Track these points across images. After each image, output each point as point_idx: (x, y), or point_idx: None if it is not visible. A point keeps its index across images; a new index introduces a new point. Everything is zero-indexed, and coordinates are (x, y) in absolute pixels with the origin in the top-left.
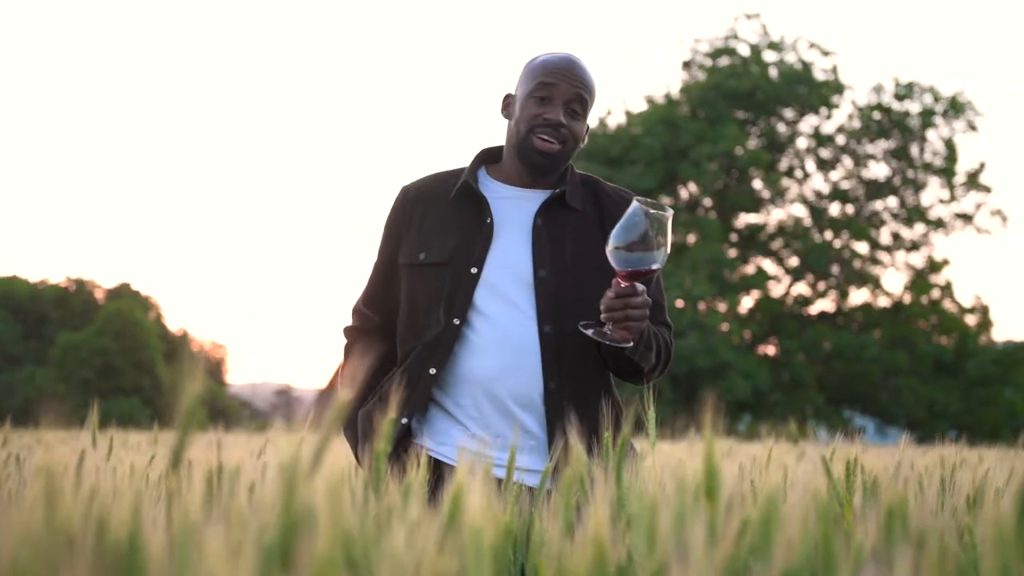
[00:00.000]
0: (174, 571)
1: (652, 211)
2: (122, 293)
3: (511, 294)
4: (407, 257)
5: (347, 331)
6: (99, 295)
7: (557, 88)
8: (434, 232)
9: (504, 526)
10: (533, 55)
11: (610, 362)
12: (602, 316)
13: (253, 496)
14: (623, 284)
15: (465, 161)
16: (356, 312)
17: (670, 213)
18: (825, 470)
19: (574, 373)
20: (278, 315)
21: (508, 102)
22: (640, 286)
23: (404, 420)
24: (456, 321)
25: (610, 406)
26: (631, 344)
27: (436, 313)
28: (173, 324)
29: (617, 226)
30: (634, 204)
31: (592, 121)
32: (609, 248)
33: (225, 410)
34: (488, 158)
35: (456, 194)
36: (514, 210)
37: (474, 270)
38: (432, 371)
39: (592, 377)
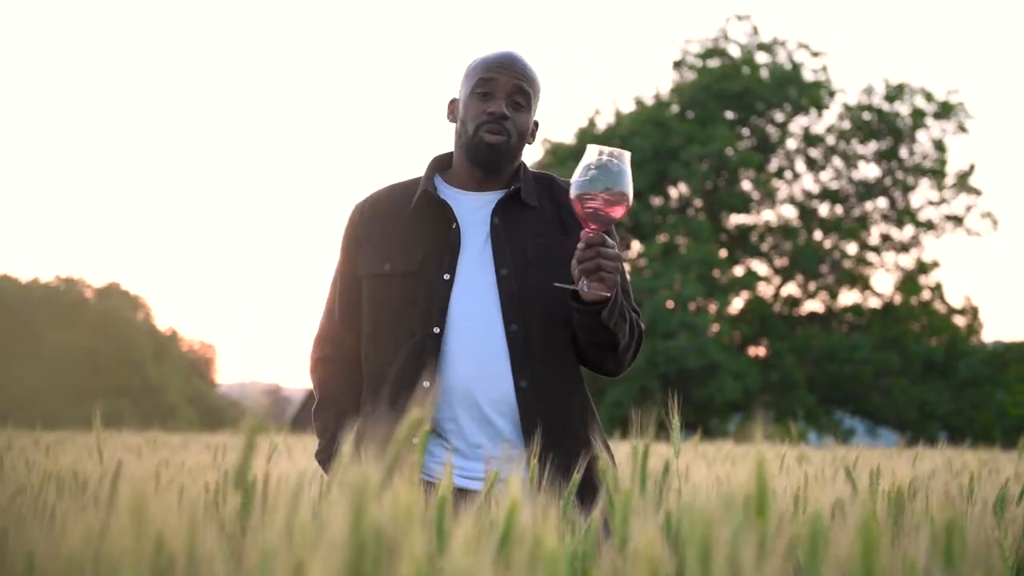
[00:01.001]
0: None
1: (606, 150)
2: (111, 292)
3: (480, 297)
4: (369, 269)
5: (319, 363)
6: (88, 294)
7: (497, 82)
8: (397, 243)
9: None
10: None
11: (585, 337)
12: (575, 271)
13: (318, 517)
14: (590, 233)
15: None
16: (326, 339)
17: (626, 153)
18: (849, 480)
19: (545, 370)
20: (268, 314)
21: (453, 107)
22: (610, 240)
23: (415, 440)
24: (436, 330)
25: (582, 403)
26: (608, 296)
27: (409, 324)
28: (162, 323)
29: (576, 171)
30: (589, 147)
31: (582, 121)
32: (572, 195)
33: (214, 410)
34: (440, 165)
35: (417, 203)
36: (473, 213)
37: (447, 276)
38: (426, 384)
39: (564, 374)
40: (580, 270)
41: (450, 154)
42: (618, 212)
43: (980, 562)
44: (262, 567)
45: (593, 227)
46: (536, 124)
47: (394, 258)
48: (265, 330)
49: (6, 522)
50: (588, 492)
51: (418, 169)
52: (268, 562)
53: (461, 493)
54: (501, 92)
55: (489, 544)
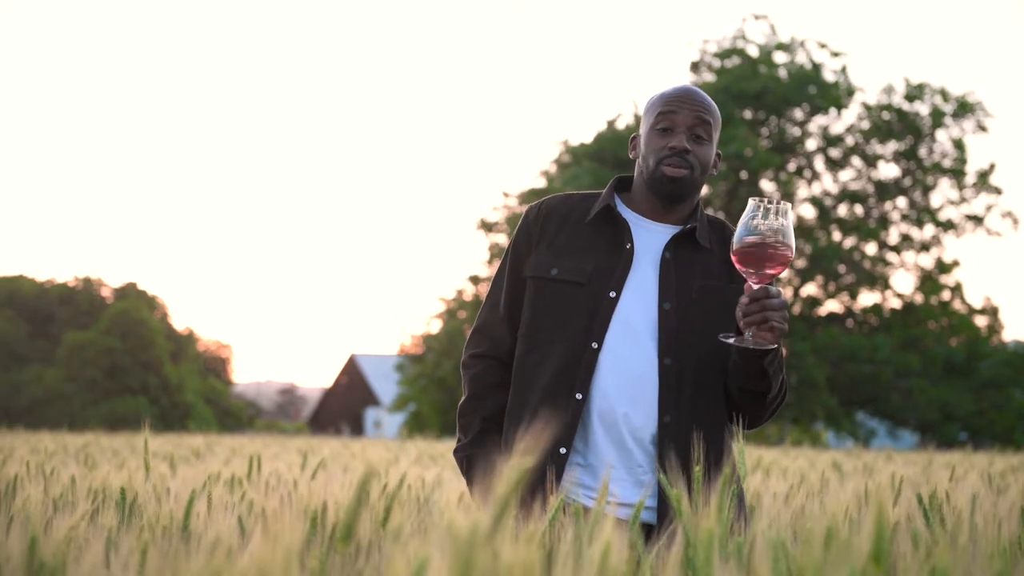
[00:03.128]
0: None
1: (770, 204)
2: (128, 292)
3: (636, 323)
4: (536, 271)
5: (475, 359)
6: (106, 294)
7: (677, 116)
8: (568, 250)
9: None
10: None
11: (737, 380)
12: (740, 323)
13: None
14: (755, 286)
15: (462, 165)
16: (485, 335)
17: (789, 206)
18: (921, 509)
19: (690, 409)
20: (283, 315)
21: (635, 143)
22: (774, 289)
23: (563, 450)
24: (595, 345)
25: (719, 447)
26: (774, 346)
27: (568, 333)
28: (179, 323)
29: (739, 225)
30: (751, 201)
31: (600, 124)
32: (734, 247)
33: (231, 410)
34: (621, 186)
35: (596, 216)
36: (647, 241)
37: (613, 294)
38: (579, 396)
39: (708, 415)
40: (745, 323)
41: (631, 177)
42: (781, 266)
43: None
44: None
45: (755, 280)
46: (719, 155)
47: (563, 264)
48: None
49: (66, 553)
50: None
51: (432, 174)
52: None
53: (588, 512)
54: (682, 126)
55: None
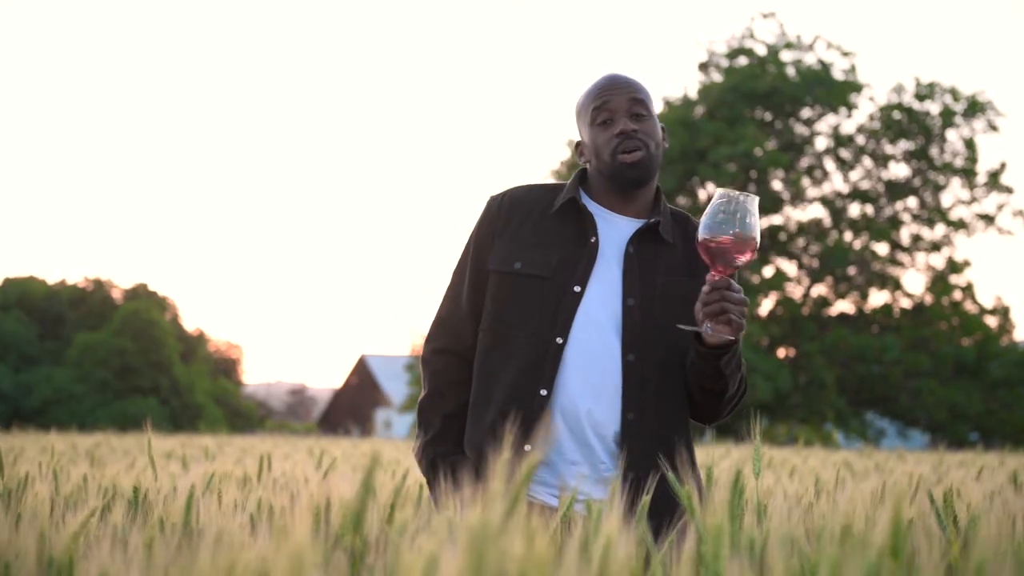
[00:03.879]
0: None
1: (735, 195)
2: (139, 293)
3: (601, 318)
4: (499, 264)
5: (435, 354)
6: (116, 295)
7: (611, 104)
8: (531, 243)
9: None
10: (581, 88)
11: (695, 379)
12: (698, 314)
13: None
14: (716, 276)
15: (473, 166)
16: (445, 329)
17: (756, 198)
18: (935, 512)
19: (654, 405)
20: (293, 315)
21: (580, 148)
22: (735, 283)
23: (527, 447)
24: (560, 340)
25: (683, 442)
26: (733, 339)
27: (532, 328)
28: (189, 324)
29: (703, 216)
30: (717, 192)
31: None
32: (699, 238)
33: (241, 410)
34: (584, 179)
35: (560, 209)
36: (610, 234)
37: (577, 288)
38: (543, 392)
39: (671, 411)
40: (705, 313)
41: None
42: (744, 257)
43: None
44: None
45: (719, 270)
46: (664, 128)
47: (527, 258)
48: (290, 331)
49: (75, 549)
50: (658, 514)
51: (443, 174)
52: None
53: (550, 511)
54: (619, 111)
55: None
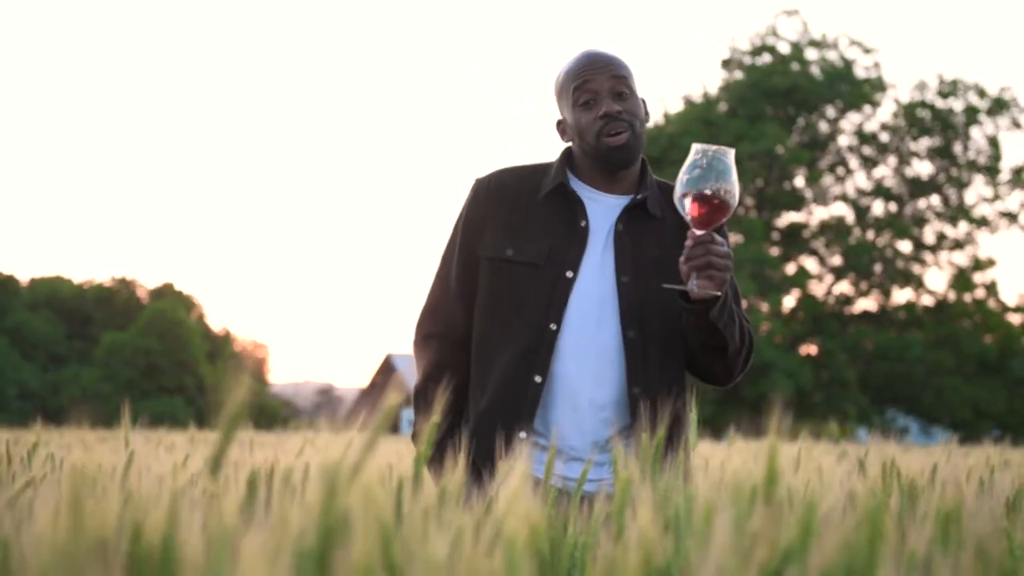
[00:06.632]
0: None
1: (710, 148)
2: (165, 293)
3: (596, 300)
4: (490, 251)
5: (428, 340)
6: (142, 295)
7: (593, 84)
8: (522, 229)
9: (543, 530)
10: (560, 65)
11: (695, 339)
12: (683, 268)
13: (293, 499)
14: (699, 232)
15: (494, 165)
16: (436, 315)
17: (731, 151)
18: (860, 472)
19: (657, 378)
20: (320, 314)
21: (562, 127)
22: (719, 238)
23: (522, 435)
24: (553, 326)
25: (684, 413)
26: (719, 294)
27: (527, 315)
28: (215, 324)
29: (681, 172)
30: (694, 146)
31: None
32: (676, 196)
33: (267, 409)
34: (570, 157)
35: (549, 193)
36: (599, 215)
37: (570, 274)
38: (538, 379)
39: (674, 383)
40: (689, 267)
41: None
42: (724, 211)
43: (981, 552)
44: (216, 546)
45: (700, 226)
46: (644, 102)
47: (519, 245)
48: (317, 330)
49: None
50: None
51: (464, 174)
52: (223, 540)
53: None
54: (602, 91)
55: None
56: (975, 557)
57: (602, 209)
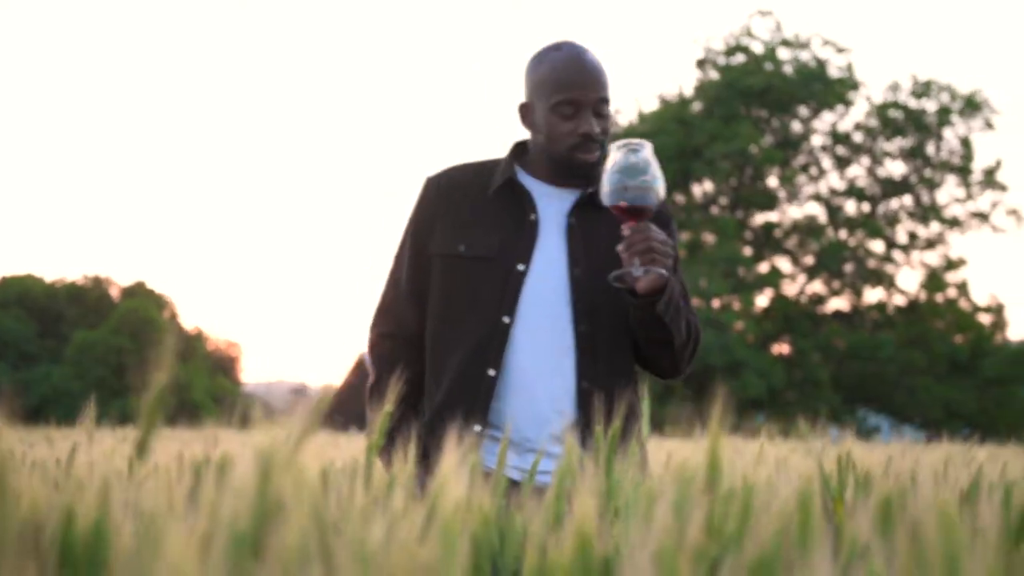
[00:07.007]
0: (139, 561)
1: (633, 143)
2: (137, 291)
3: (548, 293)
4: (442, 248)
5: (381, 339)
6: (114, 293)
7: (578, 96)
8: (473, 225)
9: (484, 517)
10: (535, 51)
11: (642, 333)
12: (624, 254)
13: (228, 486)
14: (632, 224)
15: (472, 156)
16: (389, 314)
17: (647, 143)
18: (817, 463)
19: (607, 371)
20: (293, 314)
21: (527, 111)
22: (655, 227)
23: (477, 428)
24: (506, 320)
25: (632, 409)
26: (664, 274)
27: (480, 310)
28: (188, 322)
29: (606, 172)
30: (612, 147)
31: None
32: (603, 194)
33: (239, 408)
34: (520, 152)
35: (498, 188)
36: (550, 208)
37: (521, 267)
38: (492, 372)
39: (623, 379)
40: (630, 253)
41: (528, 142)
42: (649, 201)
43: (916, 535)
44: (148, 530)
45: (632, 222)
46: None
47: (470, 240)
48: (290, 329)
49: None
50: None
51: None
52: (155, 524)
53: (512, 486)
54: (587, 107)
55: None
56: (911, 541)
57: (553, 203)
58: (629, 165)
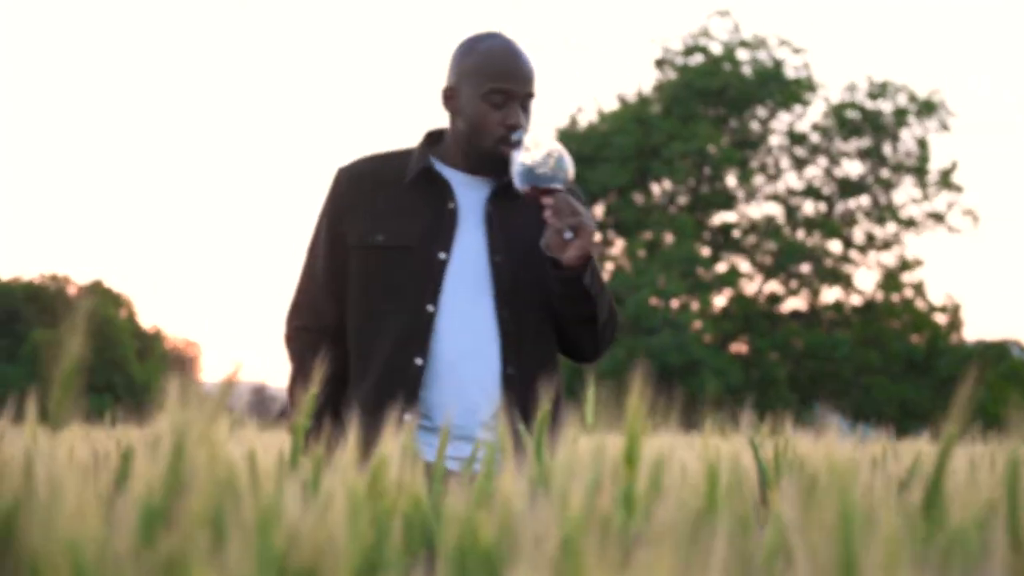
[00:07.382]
0: (49, 522)
1: (535, 136)
2: (95, 290)
3: (470, 280)
4: (359, 239)
5: (298, 332)
6: (72, 291)
7: (510, 87)
8: (389, 214)
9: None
10: (466, 37)
11: (566, 310)
12: (552, 222)
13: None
14: (550, 200)
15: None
16: (304, 308)
17: (551, 130)
18: (753, 450)
19: (530, 360)
20: (252, 313)
21: (451, 95)
22: (571, 198)
23: (407, 417)
24: (431, 308)
25: (557, 395)
26: (594, 233)
27: (402, 299)
28: (146, 321)
29: (515, 163)
30: (522, 139)
31: (563, 120)
32: (518, 184)
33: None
34: (433, 141)
35: (414, 177)
36: (468, 197)
37: (442, 255)
38: (419, 361)
39: (547, 366)
40: (559, 218)
41: (442, 131)
42: (561, 181)
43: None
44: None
45: (547, 199)
46: None
47: (388, 230)
48: (250, 328)
49: None
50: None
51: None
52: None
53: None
54: (515, 99)
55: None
56: (836, 516)
57: (471, 191)
58: (536, 150)
